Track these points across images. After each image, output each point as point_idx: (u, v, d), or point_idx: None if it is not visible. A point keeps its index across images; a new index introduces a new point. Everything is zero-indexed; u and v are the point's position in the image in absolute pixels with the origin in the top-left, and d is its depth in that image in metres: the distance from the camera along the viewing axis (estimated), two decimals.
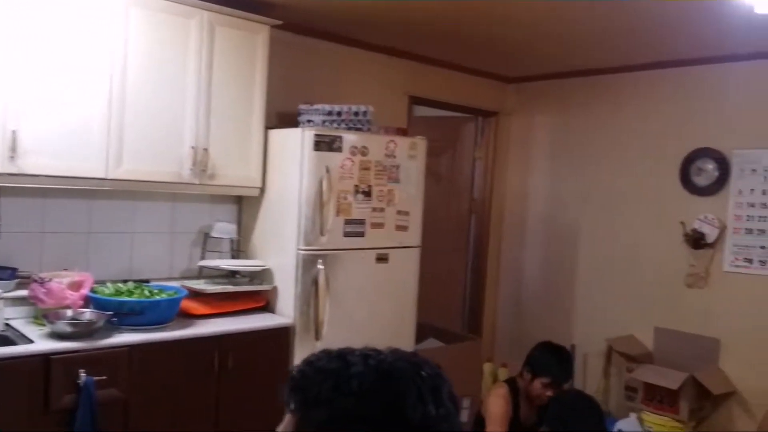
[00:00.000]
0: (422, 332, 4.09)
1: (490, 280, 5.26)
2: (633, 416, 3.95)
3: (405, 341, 3.66)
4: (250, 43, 3.32)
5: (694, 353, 4.11)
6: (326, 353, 0.88)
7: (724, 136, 4.09)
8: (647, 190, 4.43)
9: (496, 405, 3.28)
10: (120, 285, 3.06)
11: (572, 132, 4.87)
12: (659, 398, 3.92)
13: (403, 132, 3.80)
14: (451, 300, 5.28)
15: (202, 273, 3.48)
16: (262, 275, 3.45)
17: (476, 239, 5.28)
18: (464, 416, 4.28)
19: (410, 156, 3.63)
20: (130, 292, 3.00)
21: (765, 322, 3.89)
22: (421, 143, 3.70)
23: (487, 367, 4.92)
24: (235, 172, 3.32)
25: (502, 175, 5.25)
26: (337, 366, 0.85)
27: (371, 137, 3.48)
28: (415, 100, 4.60)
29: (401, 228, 3.63)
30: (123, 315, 2.82)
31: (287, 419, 0.86)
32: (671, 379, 3.84)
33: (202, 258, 3.47)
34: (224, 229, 3.45)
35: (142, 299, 2.93)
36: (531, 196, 5.12)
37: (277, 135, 3.43)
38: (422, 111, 4.85)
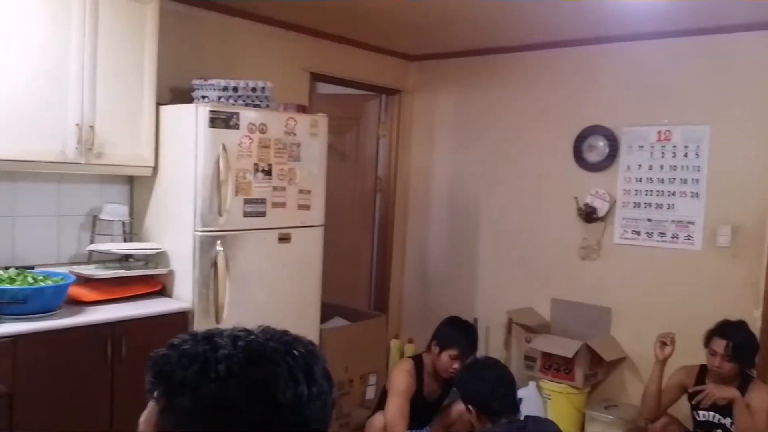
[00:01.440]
0: (328, 312, 4.07)
1: (396, 258, 5.30)
2: (532, 385, 4.11)
3: (310, 321, 3.64)
4: (138, 13, 3.13)
5: (588, 322, 4.30)
6: (192, 336, 0.83)
7: (614, 114, 4.26)
8: (543, 166, 4.56)
9: (399, 379, 3.35)
10: (0, 272, 2.87)
11: (472, 110, 4.94)
12: (556, 366, 4.08)
13: (303, 109, 3.72)
14: (358, 278, 5.29)
15: (92, 258, 3.29)
16: (157, 258, 3.31)
17: (381, 217, 5.29)
18: (370, 393, 4.32)
19: (311, 134, 3.57)
20: (12, 280, 2.81)
21: (652, 291, 4.11)
22: (322, 120, 3.64)
23: (393, 344, 4.98)
24: (125, 150, 3.15)
25: (406, 153, 5.28)
26: (203, 349, 0.80)
27: (270, 114, 3.39)
28: (317, 77, 4.51)
29: (304, 207, 3.58)
30: (4, 304, 2.64)
31: (150, 408, 0.81)
32: (567, 348, 4.00)
33: (92, 242, 3.29)
34: (115, 211, 3.28)
35: (25, 287, 2.75)
36: (434, 174, 5.17)
37: (170, 111, 3.28)
38: (326, 89, 4.78)
